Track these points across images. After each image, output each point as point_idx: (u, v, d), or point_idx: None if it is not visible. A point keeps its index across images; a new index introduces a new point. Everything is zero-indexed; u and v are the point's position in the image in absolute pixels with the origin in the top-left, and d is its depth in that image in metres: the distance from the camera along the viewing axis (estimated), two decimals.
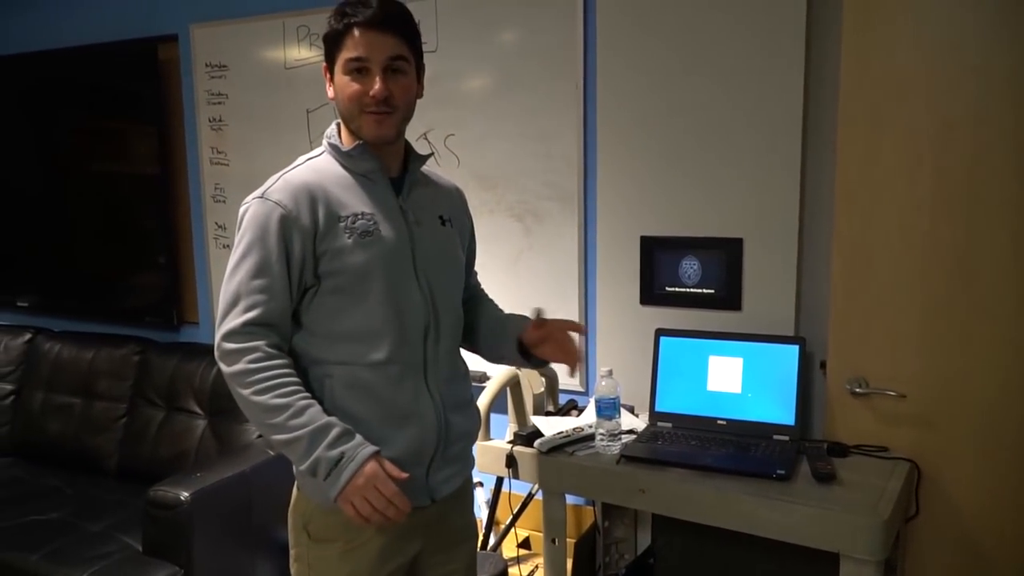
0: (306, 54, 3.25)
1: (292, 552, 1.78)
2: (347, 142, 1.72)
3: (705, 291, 2.61)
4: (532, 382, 2.56)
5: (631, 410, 2.55)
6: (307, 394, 1.61)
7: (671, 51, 2.57)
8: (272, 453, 2.78)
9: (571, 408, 2.66)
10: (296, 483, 1.77)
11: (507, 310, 2.01)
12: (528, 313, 1.87)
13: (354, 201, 1.68)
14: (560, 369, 2.25)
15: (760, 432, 2.32)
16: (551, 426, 2.42)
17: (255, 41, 3.38)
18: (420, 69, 1.74)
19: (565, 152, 2.81)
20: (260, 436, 2.98)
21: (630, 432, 2.38)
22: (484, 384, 2.52)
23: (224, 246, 3.60)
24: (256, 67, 3.40)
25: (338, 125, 1.76)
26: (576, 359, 1.82)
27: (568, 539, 2.51)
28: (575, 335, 1.83)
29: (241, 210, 1.68)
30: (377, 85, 1.64)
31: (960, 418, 2.25)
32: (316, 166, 1.72)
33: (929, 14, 2.20)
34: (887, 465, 2.22)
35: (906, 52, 2.23)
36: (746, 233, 2.52)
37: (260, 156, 3.44)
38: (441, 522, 1.81)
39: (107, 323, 3.89)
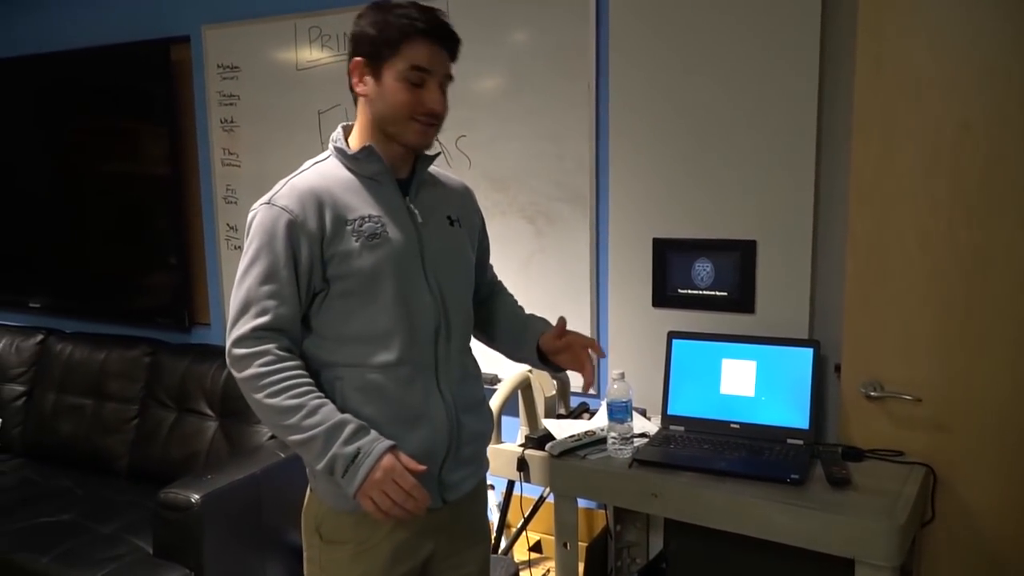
0: (318, 55, 3.25)
1: (304, 554, 1.78)
2: (353, 145, 1.71)
3: (718, 293, 2.59)
4: (544, 385, 2.55)
5: (643, 413, 2.54)
6: (320, 394, 1.61)
7: (684, 52, 2.56)
8: (283, 455, 2.78)
9: (583, 411, 2.65)
10: (309, 485, 1.77)
11: (524, 309, 2.00)
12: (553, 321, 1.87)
13: (361, 204, 1.67)
14: (575, 377, 2.24)
15: (774, 436, 2.30)
16: (563, 429, 2.41)
17: (267, 42, 3.38)
18: None
19: (577, 153, 2.80)
20: (271, 438, 2.98)
21: (642, 436, 2.37)
22: (495, 387, 2.51)
23: (235, 247, 3.60)
24: (268, 68, 3.39)
25: (344, 128, 1.75)
26: (590, 377, 1.81)
27: (580, 543, 2.49)
28: (593, 354, 1.82)
29: (249, 216, 1.68)
30: (439, 99, 1.67)
31: (976, 422, 2.23)
32: (322, 170, 1.71)
33: (945, 14, 2.18)
34: (902, 469, 2.20)
35: (922, 53, 2.21)
36: (760, 235, 2.51)
37: (271, 157, 3.44)
38: (454, 524, 1.80)
39: (119, 324, 3.90)
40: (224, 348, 1.65)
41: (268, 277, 1.61)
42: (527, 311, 2.00)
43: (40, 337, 3.88)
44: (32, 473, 3.45)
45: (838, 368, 2.43)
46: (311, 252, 1.62)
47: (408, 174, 1.76)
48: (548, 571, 2.88)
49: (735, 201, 2.53)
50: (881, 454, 2.28)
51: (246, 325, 1.61)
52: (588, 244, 2.83)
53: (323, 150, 1.78)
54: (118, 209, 3.89)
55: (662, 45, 2.59)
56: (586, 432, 2.37)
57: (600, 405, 2.55)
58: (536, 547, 3.04)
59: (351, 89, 1.71)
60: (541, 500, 2.83)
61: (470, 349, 1.85)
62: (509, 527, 2.91)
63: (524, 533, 2.86)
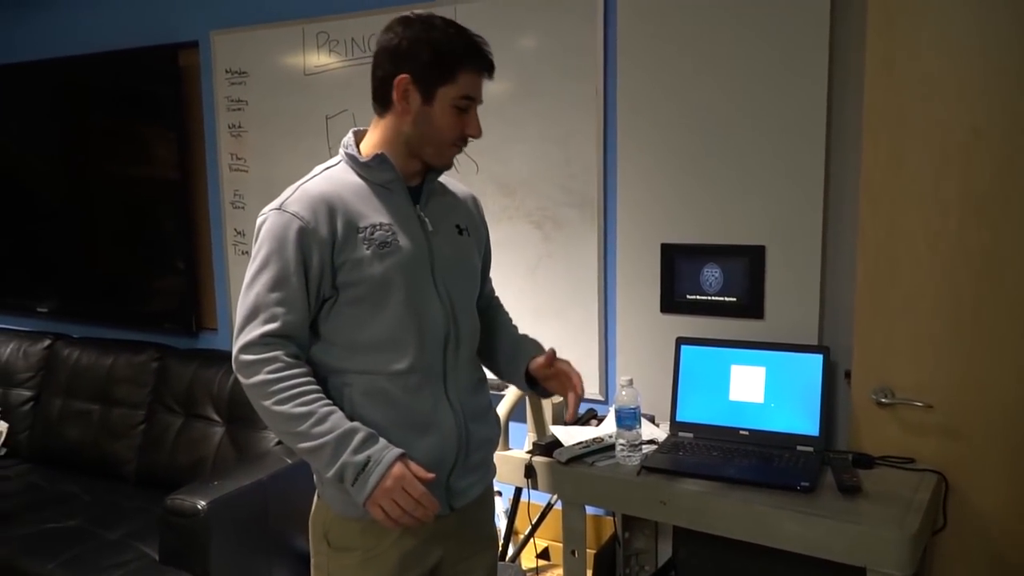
0: (325, 60, 3.24)
1: (312, 560, 1.78)
2: (365, 152, 1.71)
3: (727, 299, 2.58)
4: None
5: (652, 420, 2.52)
6: (329, 401, 1.61)
7: (691, 55, 2.55)
8: (290, 461, 2.77)
9: (591, 417, 2.63)
10: (316, 492, 1.77)
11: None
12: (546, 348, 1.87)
13: (372, 212, 1.66)
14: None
15: (783, 443, 2.29)
16: (570, 436, 2.40)
17: (275, 47, 3.38)
18: None
19: (584, 158, 2.79)
20: (278, 444, 2.97)
21: (651, 442, 2.35)
22: (503, 393, 2.50)
23: (243, 252, 3.60)
24: (275, 73, 3.39)
25: (355, 134, 1.75)
26: (573, 413, 1.82)
27: (588, 550, 2.48)
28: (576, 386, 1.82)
29: (258, 221, 1.67)
30: (479, 125, 1.71)
31: (988, 428, 2.21)
32: (333, 176, 1.70)
33: (955, 16, 2.16)
34: (914, 477, 2.18)
35: (932, 55, 2.19)
36: (769, 240, 2.49)
37: (279, 162, 3.44)
38: (461, 530, 1.79)
39: (126, 329, 3.90)
40: (231, 351, 1.64)
41: (277, 284, 1.61)
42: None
43: (47, 342, 3.88)
44: (39, 478, 3.45)
45: (848, 374, 2.41)
46: (322, 259, 1.62)
47: (418, 182, 1.76)
48: None
49: (744, 206, 2.52)
50: (892, 461, 2.26)
51: (254, 331, 1.60)
52: (596, 249, 2.82)
53: (331, 155, 1.77)
54: (126, 214, 3.89)
55: (669, 48, 2.58)
56: (594, 439, 2.36)
57: (608, 411, 2.53)
58: (544, 554, 3.03)
59: (379, 98, 1.69)
60: (549, 507, 2.82)
61: (476, 357, 1.85)
62: (517, 534, 2.90)
63: (532, 540, 2.85)
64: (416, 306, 1.67)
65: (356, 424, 1.59)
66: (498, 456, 2.35)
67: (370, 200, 1.68)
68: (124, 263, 3.93)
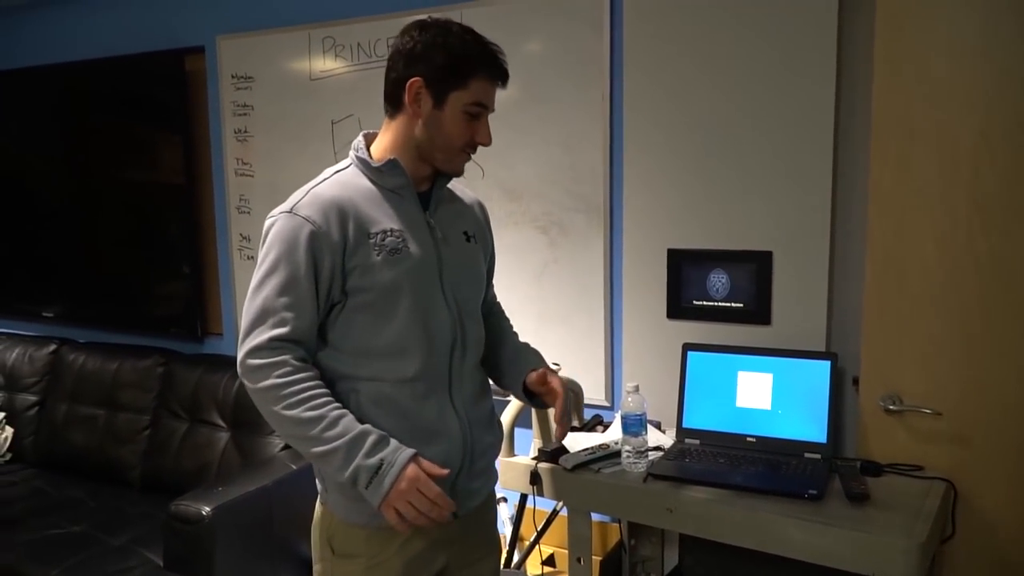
0: (331, 65, 3.24)
1: (316, 567, 1.77)
2: (376, 156, 1.70)
3: (734, 305, 2.57)
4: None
5: (658, 426, 2.51)
6: (338, 404, 1.60)
7: (697, 60, 2.54)
8: (295, 467, 2.77)
9: (597, 424, 2.62)
10: (319, 498, 1.76)
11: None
12: (551, 364, 1.87)
13: (383, 217, 1.66)
14: (588, 389, 2.20)
15: (791, 450, 2.27)
16: (576, 442, 2.38)
17: (281, 52, 3.38)
18: None
19: (591, 163, 2.78)
20: (283, 449, 2.96)
21: (657, 449, 2.34)
22: (508, 398, 2.49)
23: (248, 257, 3.59)
24: (281, 78, 3.39)
25: (366, 137, 1.74)
26: (561, 434, 1.85)
27: (594, 556, 2.47)
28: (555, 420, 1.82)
29: (267, 224, 1.65)
30: (489, 133, 1.71)
31: (997, 436, 2.19)
32: (343, 180, 1.69)
33: (964, 20, 2.15)
34: (922, 484, 2.16)
35: (941, 59, 2.18)
36: (776, 246, 2.48)
37: (285, 167, 3.43)
38: (465, 536, 1.79)
39: (131, 334, 3.90)
40: (236, 356, 1.63)
41: (287, 288, 1.59)
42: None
43: (53, 347, 3.89)
44: (44, 484, 3.45)
45: (856, 381, 2.39)
46: (333, 263, 1.61)
47: (427, 188, 1.75)
48: None
49: (751, 211, 2.51)
50: (900, 469, 2.24)
51: (262, 335, 1.59)
52: (602, 255, 2.80)
53: (336, 160, 1.77)
54: (132, 219, 3.89)
55: (676, 54, 2.57)
56: (600, 445, 2.34)
57: (614, 418, 2.52)
58: (549, 561, 3.01)
59: (390, 101, 1.69)
60: (554, 513, 2.81)
61: (480, 365, 1.84)
62: (522, 540, 2.88)
63: (537, 547, 2.84)
64: (424, 313, 1.66)
65: (367, 427, 1.58)
66: (503, 462, 2.35)
67: (381, 205, 1.67)
68: (129, 268, 3.93)
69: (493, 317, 1.98)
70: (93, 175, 3.95)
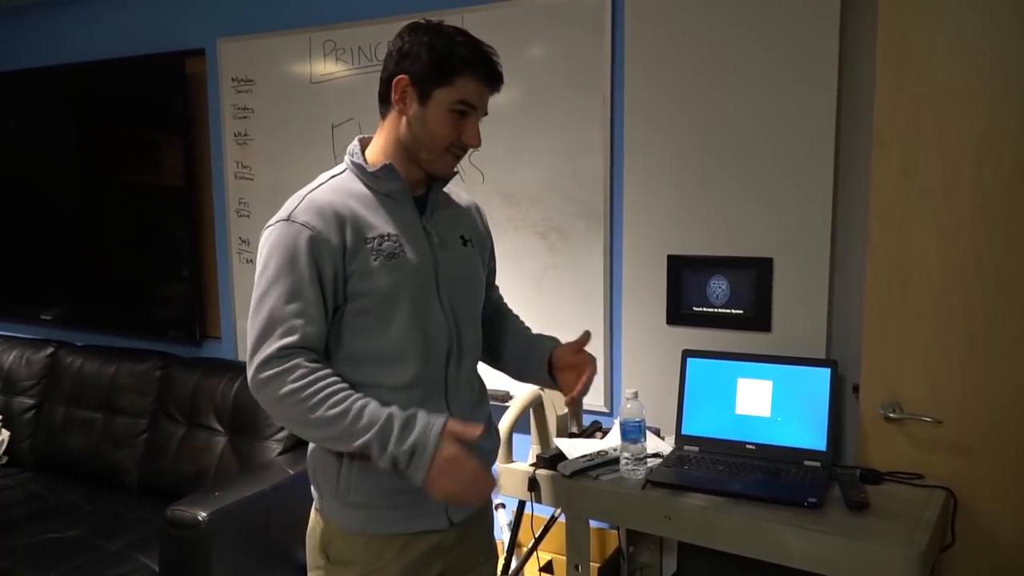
0: (332, 69, 3.24)
1: (310, 575, 1.75)
2: (372, 161, 1.69)
3: (734, 311, 2.56)
4: (556, 403, 2.52)
5: (657, 433, 2.50)
6: (358, 395, 1.57)
7: (699, 66, 2.53)
8: (292, 472, 2.76)
9: (595, 430, 2.61)
10: (315, 505, 1.75)
11: (531, 329, 1.98)
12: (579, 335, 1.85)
13: (379, 222, 1.65)
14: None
15: (790, 457, 2.26)
16: (575, 449, 2.37)
17: (281, 56, 3.37)
18: None
19: (591, 169, 2.78)
20: (280, 454, 2.95)
21: (656, 456, 2.33)
22: (507, 404, 2.48)
23: (247, 261, 3.59)
24: (282, 81, 3.39)
25: (361, 141, 1.73)
26: (576, 394, 1.79)
27: (592, 563, 2.46)
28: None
29: (264, 234, 1.64)
30: (478, 134, 1.68)
31: (998, 445, 2.18)
32: (339, 185, 1.68)
33: (968, 24, 2.14)
34: (922, 493, 2.15)
35: (944, 63, 2.17)
36: (776, 252, 2.47)
37: (285, 171, 3.43)
38: (461, 544, 1.78)
39: (130, 337, 3.89)
40: (232, 359, 1.62)
41: (292, 296, 1.57)
42: (538, 329, 1.98)
43: (50, 350, 3.88)
44: (41, 488, 3.44)
45: (856, 388, 2.38)
46: (335, 267, 1.60)
47: (423, 192, 1.74)
48: None
49: (751, 217, 2.50)
50: (900, 477, 2.23)
51: (271, 346, 1.56)
52: (602, 261, 2.80)
53: (336, 163, 1.76)
54: (131, 221, 3.88)
55: (677, 60, 2.56)
56: (599, 452, 2.33)
57: (613, 424, 2.51)
58: (547, 568, 3.00)
59: (382, 100, 1.69)
60: (552, 519, 2.79)
61: (477, 371, 1.83)
62: (520, 547, 2.87)
63: (535, 553, 2.82)
64: (420, 320, 1.65)
65: (392, 411, 1.55)
66: (502, 469, 2.34)
67: (376, 210, 1.66)
68: (128, 271, 3.92)
69: (500, 317, 1.97)
70: (92, 177, 3.94)
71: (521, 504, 2.68)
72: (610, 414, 2.81)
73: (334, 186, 1.68)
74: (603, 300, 2.81)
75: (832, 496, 2.09)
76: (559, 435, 2.51)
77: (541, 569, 2.95)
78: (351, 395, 1.56)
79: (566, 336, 1.87)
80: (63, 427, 3.63)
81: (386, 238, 1.63)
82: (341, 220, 1.61)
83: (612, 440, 2.44)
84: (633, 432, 2.19)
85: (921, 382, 2.26)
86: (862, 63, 2.33)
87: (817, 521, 1.95)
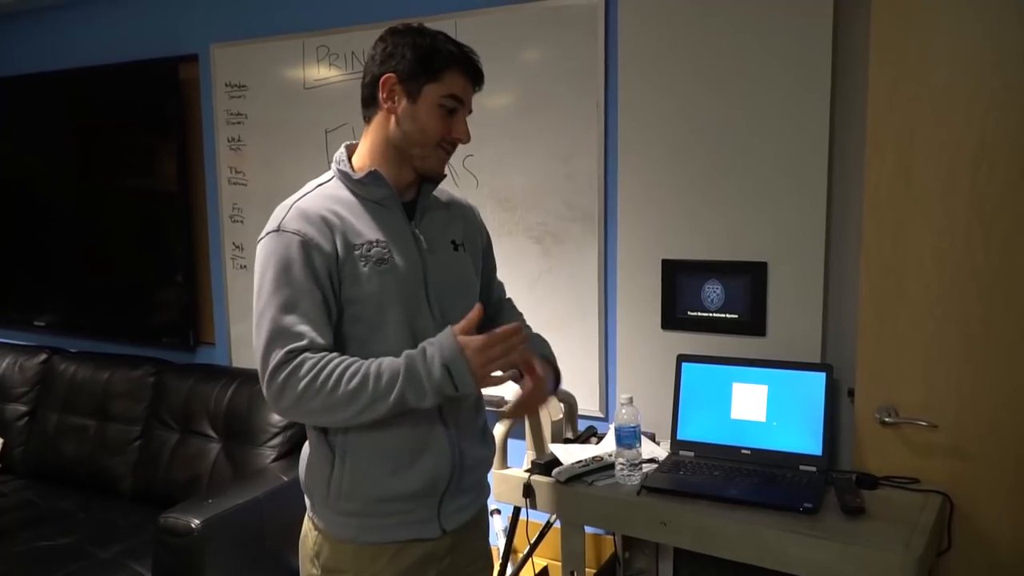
0: (325, 74, 3.23)
1: None
2: (358, 167, 1.69)
3: (728, 316, 2.55)
4: (551, 409, 2.51)
5: (652, 438, 2.49)
6: (367, 361, 1.56)
7: (694, 70, 2.53)
8: (286, 479, 2.75)
9: (590, 435, 2.60)
10: (307, 512, 1.74)
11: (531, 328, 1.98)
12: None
13: (367, 229, 1.64)
14: (582, 400, 2.16)
15: (786, 462, 2.25)
16: (570, 454, 2.36)
17: (275, 61, 3.36)
18: None
19: (586, 173, 2.77)
20: (274, 460, 2.94)
21: (651, 461, 2.32)
22: (503, 410, 2.46)
23: (241, 266, 3.57)
24: (275, 87, 3.38)
25: (347, 148, 1.73)
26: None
27: (588, 569, 2.45)
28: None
29: (258, 248, 1.64)
30: (467, 130, 1.69)
31: (995, 449, 2.18)
32: (326, 192, 1.68)
33: (963, 29, 2.14)
34: (918, 498, 2.14)
35: (939, 68, 2.17)
36: (771, 257, 2.47)
37: (278, 176, 3.42)
38: (455, 552, 1.77)
39: (123, 343, 3.88)
40: (227, 365, 1.61)
41: (290, 306, 1.57)
42: (535, 331, 1.97)
43: (44, 356, 3.87)
44: (34, 495, 3.42)
45: (851, 393, 2.38)
46: (329, 270, 1.60)
47: (413, 196, 1.73)
48: None
49: (746, 222, 2.49)
50: (896, 481, 2.23)
51: (279, 354, 1.55)
52: (596, 265, 2.79)
53: (330, 169, 1.75)
54: (125, 227, 3.87)
55: (671, 64, 2.56)
56: (594, 457, 2.32)
57: (608, 429, 2.50)
58: (543, 574, 2.99)
59: (366, 104, 1.69)
60: (548, 526, 2.78)
61: None
62: (515, 553, 2.86)
63: (530, 560, 2.81)
64: (411, 326, 1.65)
65: (404, 356, 1.56)
66: (496, 475, 2.33)
67: (364, 217, 1.66)
68: (122, 277, 3.91)
69: (502, 315, 1.97)
70: (86, 182, 3.93)
71: (516, 510, 2.67)
72: (605, 419, 2.81)
73: (322, 193, 1.68)
74: (598, 305, 2.80)
75: (828, 501, 2.08)
76: (554, 441, 2.50)
77: (536, 575, 2.94)
78: (361, 364, 1.55)
79: (562, 342, 1.86)
80: (56, 434, 3.61)
81: (375, 244, 1.63)
82: (330, 227, 1.61)
83: (607, 445, 2.43)
84: (628, 437, 2.18)
85: (917, 386, 2.25)
86: (856, 67, 2.33)
87: (813, 526, 1.94)
